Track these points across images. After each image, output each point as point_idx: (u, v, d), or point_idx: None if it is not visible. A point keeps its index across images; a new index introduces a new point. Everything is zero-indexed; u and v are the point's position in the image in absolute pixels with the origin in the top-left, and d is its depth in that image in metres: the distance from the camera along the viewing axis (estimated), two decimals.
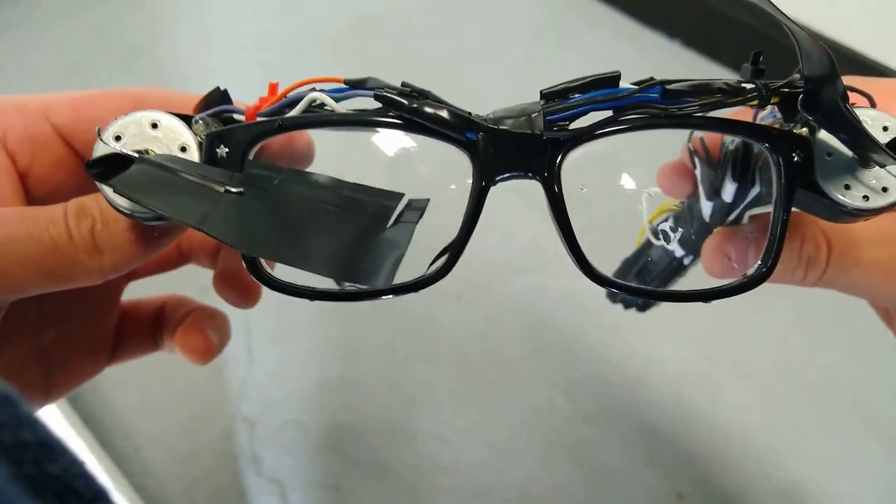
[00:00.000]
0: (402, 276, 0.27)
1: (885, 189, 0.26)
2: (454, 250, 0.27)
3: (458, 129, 0.26)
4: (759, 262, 0.27)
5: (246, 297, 0.34)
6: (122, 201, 0.25)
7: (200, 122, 0.26)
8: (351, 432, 0.67)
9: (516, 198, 0.80)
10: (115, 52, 1.05)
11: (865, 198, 0.26)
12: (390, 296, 0.27)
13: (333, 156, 0.32)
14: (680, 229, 0.38)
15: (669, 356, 0.70)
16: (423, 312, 0.74)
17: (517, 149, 0.27)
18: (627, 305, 0.49)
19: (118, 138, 0.25)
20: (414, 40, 1.02)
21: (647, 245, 0.43)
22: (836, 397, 0.66)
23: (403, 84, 0.26)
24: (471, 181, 0.27)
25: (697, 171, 0.33)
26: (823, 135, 0.26)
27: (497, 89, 0.90)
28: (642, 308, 0.49)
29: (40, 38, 1.07)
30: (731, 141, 0.31)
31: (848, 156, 0.26)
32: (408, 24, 1.04)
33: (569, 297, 0.73)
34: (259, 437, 0.68)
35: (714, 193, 0.33)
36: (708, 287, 0.30)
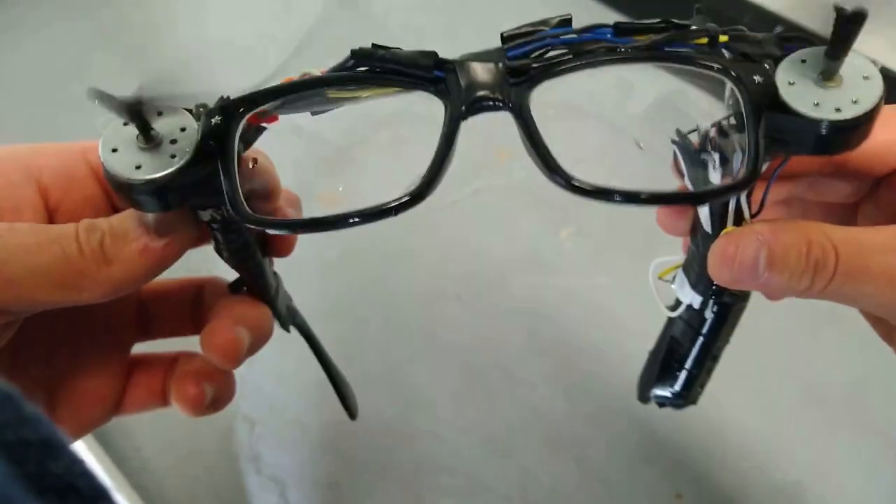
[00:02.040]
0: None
1: (855, 101, 0.26)
2: (427, 179, 0.28)
3: (426, 67, 0.28)
4: (744, 166, 0.28)
5: (230, 355, 0.34)
6: (121, 170, 0.26)
7: (202, 109, 0.28)
8: (350, 431, 0.67)
9: (515, 196, 0.80)
10: (117, 52, 1.05)
11: (838, 110, 0.26)
12: (364, 221, 0.28)
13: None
14: (690, 275, 0.37)
15: None
16: (422, 312, 0.74)
17: (484, 81, 0.28)
18: (662, 404, 0.45)
19: (126, 123, 0.27)
20: (413, 40, 1.02)
21: (668, 325, 0.42)
22: (835, 397, 0.67)
23: (373, 44, 0.28)
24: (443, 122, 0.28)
25: (686, 178, 0.33)
26: (783, 66, 0.27)
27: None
28: (679, 406, 0.44)
29: (40, 38, 1.07)
30: (708, 126, 0.32)
31: (810, 81, 0.26)
32: (407, 24, 1.04)
33: (568, 297, 0.74)
34: (259, 436, 0.68)
35: (704, 183, 0.32)
36: (699, 190, 0.32)
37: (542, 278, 0.75)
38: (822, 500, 0.61)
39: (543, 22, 0.29)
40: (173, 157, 0.27)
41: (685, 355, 0.41)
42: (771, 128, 0.27)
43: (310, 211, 0.39)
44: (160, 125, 0.27)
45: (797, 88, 0.26)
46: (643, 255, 0.42)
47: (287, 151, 0.81)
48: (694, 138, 0.32)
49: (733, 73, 0.27)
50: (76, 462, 0.18)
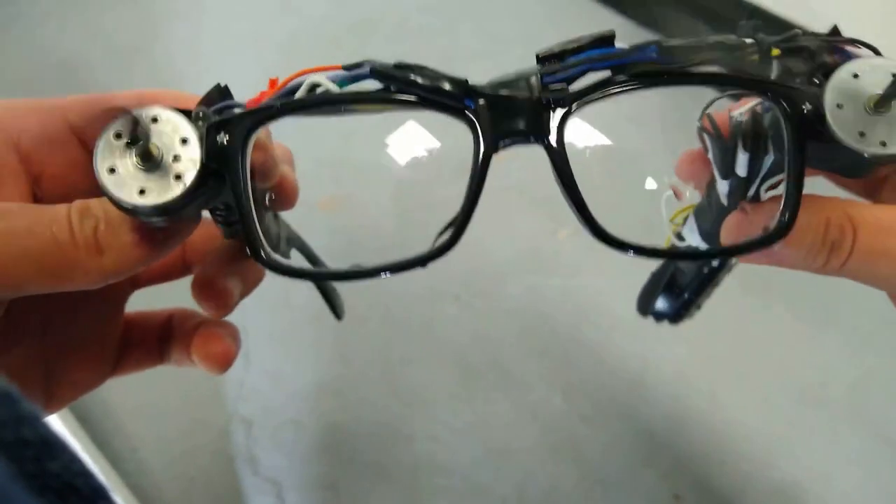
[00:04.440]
0: (405, 256, 0.27)
1: None
2: (460, 222, 0.27)
3: (456, 97, 0.26)
4: (780, 215, 0.26)
5: (222, 303, 0.33)
6: (124, 195, 0.25)
7: (201, 115, 0.26)
8: (347, 432, 0.67)
9: (513, 197, 0.80)
10: (112, 51, 1.05)
11: (883, 143, 0.25)
12: (394, 273, 0.27)
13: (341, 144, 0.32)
14: (702, 224, 0.37)
15: (667, 357, 0.70)
16: (421, 313, 0.74)
17: (517, 113, 0.26)
18: (659, 318, 0.47)
19: (118, 136, 0.25)
20: (412, 41, 1.02)
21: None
22: (834, 398, 0.67)
23: (397, 62, 0.26)
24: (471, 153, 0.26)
25: (710, 153, 0.33)
26: (832, 86, 0.26)
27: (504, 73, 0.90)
28: (674, 320, 0.47)
29: (36, 36, 1.07)
30: (740, 113, 0.30)
31: (860, 105, 0.25)
32: (405, 25, 1.04)
33: (566, 297, 0.73)
34: (256, 438, 0.68)
35: (728, 170, 0.32)
36: (731, 244, 0.30)
37: (541, 278, 0.75)
38: (822, 500, 0.61)
39: (579, 41, 0.27)
40: (178, 178, 0.25)
41: (687, 283, 0.42)
42: (813, 151, 0.26)
43: (311, 218, 0.39)
44: (158, 135, 0.25)
45: (845, 113, 0.25)
46: None
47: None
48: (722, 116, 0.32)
49: (783, 106, 0.26)
50: (74, 461, 0.18)
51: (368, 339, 0.73)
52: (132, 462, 0.67)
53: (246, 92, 0.30)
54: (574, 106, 0.26)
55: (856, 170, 0.26)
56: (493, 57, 0.97)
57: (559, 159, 0.26)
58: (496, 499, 0.63)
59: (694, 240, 0.38)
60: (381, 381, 0.70)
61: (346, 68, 0.27)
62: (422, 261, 0.27)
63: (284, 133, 0.33)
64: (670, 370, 0.70)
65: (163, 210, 0.25)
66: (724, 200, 0.33)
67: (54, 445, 0.18)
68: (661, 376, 0.69)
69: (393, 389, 0.69)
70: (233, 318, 0.36)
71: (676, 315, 0.46)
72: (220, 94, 0.28)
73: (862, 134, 0.25)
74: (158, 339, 0.35)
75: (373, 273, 0.27)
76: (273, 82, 0.28)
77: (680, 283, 0.43)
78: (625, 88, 0.26)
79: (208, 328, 0.34)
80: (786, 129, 0.26)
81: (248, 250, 0.27)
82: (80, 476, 0.18)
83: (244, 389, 0.70)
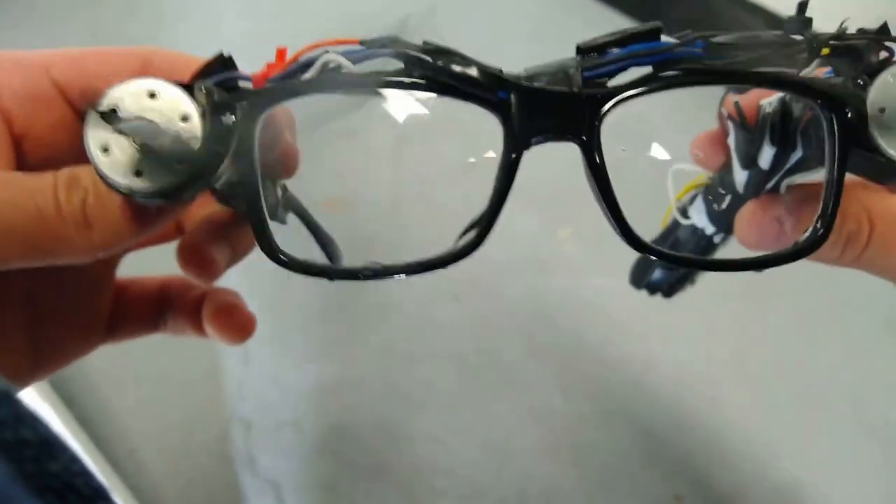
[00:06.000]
0: (425, 254, 0.26)
1: None
2: (485, 222, 0.25)
3: (488, 87, 0.24)
4: (813, 227, 0.25)
5: (208, 272, 0.31)
6: (119, 177, 0.23)
7: (204, 89, 0.24)
8: (347, 433, 0.67)
9: (514, 196, 0.80)
10: None
11: None
12: (413, 273, 0.26)
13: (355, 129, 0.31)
14: (710, 205, 0.36)
15: (668, 357, 0.70)
16: (421, 312, 0.74)
17: (553, 108, 0.24)
18: (653, 291, 0.46)
19: (113, 111, 0.23)
20: (409, 39, 1.02)
21: (675, 225, 0.40)
22: (835, 398, 0.67)
23: (425, 42, 0.25)
24: (501, 148, 0.25)
25: (731, 139, 0.32)
26: (876, 89, 0.24)
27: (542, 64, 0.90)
28: (668, 293, 0.46)
29: (37, 38, 1.07)
30: (769, 103, 0.29)
31: None
32: (407, 22, 1.04)
33: (567, 297, 0.73)
34: (255, 439, 0.68)
35: (750, 161, 0.31)
36: (759, 255, 0.28)
37: (541, 279, 0.75)
38: (822, 500, 0.61)
39: (623, 33, 0.25)
40: (179, 163, 0.23)
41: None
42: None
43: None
44: (155, 113, 0.23)
45: (887, 118, 0.24)
46: None
47: None
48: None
49: (827, 113, 0.25)
50: (74, 461, 0.18)
51: (368, 339, 0.73)
52: (131, 463, 0.67)
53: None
54: (614, 102, 0.24)
55: (886, 178, 0.26)
56: (493, 54, 0.96)
57: (596, 160, 0.25)
58: (496, 499, 0.63)
59: (700, 221, 0.37)
60: (380, 381, 0.70)
61: (365, 44, 0.25)
62: (444, 262, 0.26)
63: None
64: (671, 370, 0.70)
65: (161, 194, 0.23)
66: (740, 189, 0.32)
67: (54, 445, 0.18)
68: (662, 376, 0.69)
69: (393, 390, 0.69)
70: None
71: (670, 288, 0.45)
72: (224, 64, 0.25)
73: None
74: (154, 308, 0.34)
75: (391, 272, 0.26)
76: (281, 52, 0.25)
77: (678, 252, 0.43)
78: (667, 84, 0.25)
79: (220, 298, 0.33)
80: (828, 138, 0.25)
81: (260, 249, 0.25)
82: (80, 476, 0.18)
83: (243, 390, 0.70)
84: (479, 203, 0.26)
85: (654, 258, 0.27)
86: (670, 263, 0.27)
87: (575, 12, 1.03)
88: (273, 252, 0.25)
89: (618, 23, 1.02)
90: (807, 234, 0.26)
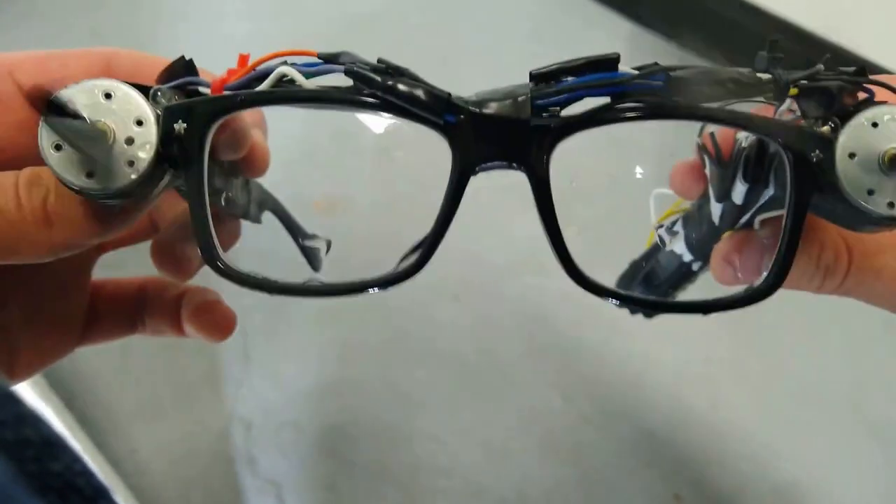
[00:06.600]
0: (374, 273, 0.25)
1: None
2: (428, 245, 0.25)
3: (435, 110, 0.24)
4: (766, 274, 0.25)
5: (182, 270, 0.31)
6: (71, 176, 0.22)
7: (160, 94, 0.24)
8: (347, 433, 0.67)
9: (513, 197, 0.80)
10: None
11: (891, 205, 0.23)
12: (355, 294, 0.25)
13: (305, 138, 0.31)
14: (689, 233, 0.36)
15: (667, 357, 0.70)
16: (420, 313, 0.74)
17: (501, 135, 0.24)
18: (633, 311, 0.45)
19: (58, 110, 0.22)
20: (409, 39, 1.02)
21: (656, 248, 0.40)
22: (834, 398, 0.67)
23: (379, 60, 0.24)
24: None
25: (707, 170, 0.31)
26: (847, 133, 0.23)
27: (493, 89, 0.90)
28: (649, 315, 0.45)
29: (38, 38, 1.07)
30: (745, 137, 0.28)
31: (874, 158, 0.23)
32: (403, 23, 1.04)
33: (566, 297, 0.73)
34: (255, 439, 0.68)
35: (724, 195, 0.31)
36: (707, 299, 0.28)
37: (540, 280, 0.75)
38: (822, 500, 0.61)
39: (584, 60, 0.24)
40: (131, 164, 0.23)
41: (666, 279, 0.41)
42: (816, 200, 0.24)
43: (306, 220, 0.38)
44: (109, 114, 0.23)
45: (856, 166, 0.23)
46: None
47: (277, 151, 0.81)
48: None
49: (790, 155, 0.24)
50: (76, 461, 0.18)
51: (367, 340, 0.73)
52: (131, 463, 0.67)
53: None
54: (563, 133, 0.24)
55: (856, 225, 0.25)
56: (491, 55, 0.97)
57: (541, 190, 0.24)
58: (496, 499, 0.63)
59: (678, 247, 0.37)
60: (380, 381, 0.70)
61: (322, 57, 0.25)
62: (384, 283, 0.25)
63: (273, 120, 0.32)
64: (670, 370, 0.70)
65: (113, 195, 0.23)
66: (716, 220, 0.32)
67: (56, 445, 0.18)
68: (662, 376, 0.69)
69: (393, 390, 0.69)
70: None
71: (664, 294, 0.44)
72: (185, 68, 0.25)
73: (871, 192, 0.23)
74: (132, 309, 0.34)
75: (330, 291, 0.26)
76: (244, 59, 0.25)
77: (658, 276, 0.42)
78: (622, 118, 0.24)
79: (199, 297, 0.33)
80: (790, 181, 0.24)
81: (202, 255, 0.25)
82: (82, 476, 0.18)
83: (243, 390, 0.70)
84: (470, 205, 0.26)
85: (606, 297, 0.28)
86: (624, 305, 0.27)
87: (575, 12, 1.03)
88: (212, 260, 0.25)
89: (617, 24, 1.02)
90: (760, 281, 0.25)
